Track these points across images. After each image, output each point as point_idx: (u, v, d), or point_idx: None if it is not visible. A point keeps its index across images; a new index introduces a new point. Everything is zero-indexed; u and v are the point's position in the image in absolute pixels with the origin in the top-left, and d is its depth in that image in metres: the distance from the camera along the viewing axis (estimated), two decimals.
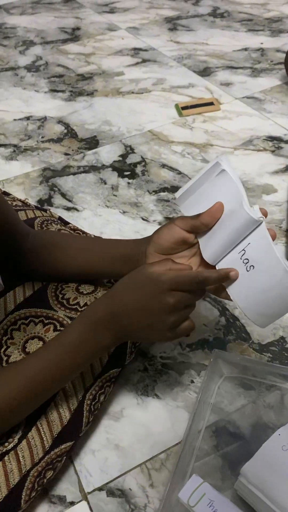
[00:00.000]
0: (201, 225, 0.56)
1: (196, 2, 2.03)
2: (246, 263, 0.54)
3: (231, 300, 0.56)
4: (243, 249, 0.54)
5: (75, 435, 0.61)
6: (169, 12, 1.96)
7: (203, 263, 0.58)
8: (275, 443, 0.59)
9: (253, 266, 0.53)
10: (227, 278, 0.54)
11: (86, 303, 0.66)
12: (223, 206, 0.55)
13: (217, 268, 0.57)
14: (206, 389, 0.68)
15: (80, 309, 0.65)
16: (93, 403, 0.63)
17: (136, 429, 0.67)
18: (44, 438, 0.58)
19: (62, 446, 0.59)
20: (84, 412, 0.62)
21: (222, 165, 0.55)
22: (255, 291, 0.54)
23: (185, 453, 0.62)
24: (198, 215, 0.56)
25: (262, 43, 1.64)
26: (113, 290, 0.55)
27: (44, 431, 0.58)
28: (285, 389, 0.69)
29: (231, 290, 0.56)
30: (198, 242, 0.58)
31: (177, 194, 0.59)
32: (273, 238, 0.54)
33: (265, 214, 0.55)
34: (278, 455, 0.57)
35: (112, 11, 2.03)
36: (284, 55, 1.41)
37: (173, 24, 1.86)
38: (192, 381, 0.72)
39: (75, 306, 0.65)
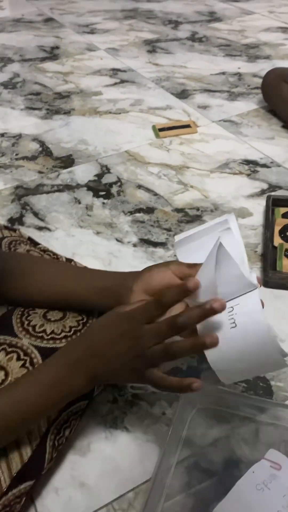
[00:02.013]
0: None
1: (175, 26, 2.06)
2: (231, 321, 0.52)
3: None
4: (231, 307, 0.52)
5: (36, 473, 0.57)
6: (148, 35, 1.98)
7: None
8: (248, 482, 0.56)
9: (237, 326, 0.51)
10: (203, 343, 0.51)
11: (53, 330, 0.62)
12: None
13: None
14: (178, 421, 0.65)
15: (46, 337, 0.62)
16: (57, 437, 0.59)
17: (103, 465, 0.64)
18: (2, 478, 0.53)
19: (22, 486, 0.55)
20: (47, 448, 0.58)
21: (230, 223, 0.56)
22: (232, 350, 0.51)
23: (154, 492, 0.58)
24: (196, 267, 0.54)
25: (239, 68, 1.66)
26: (89, 330, 0.54)
27: (1, 470, 0.54)
28: (259, 422, 0.67)
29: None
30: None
31: (177, 238, 0.59)
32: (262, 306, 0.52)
33: (259, 282, 0.54)
34: (252, 495, 0.54)
35: (92, 32, 2.04)
36: (261, 80, 1.43)
37: (152, 46, 1.87)
38: (164, 413, 0.69)
39: (41, 334, 0.62)
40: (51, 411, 0.56)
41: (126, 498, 0.60)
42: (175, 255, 0.94)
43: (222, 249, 0.51)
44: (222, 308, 0.49)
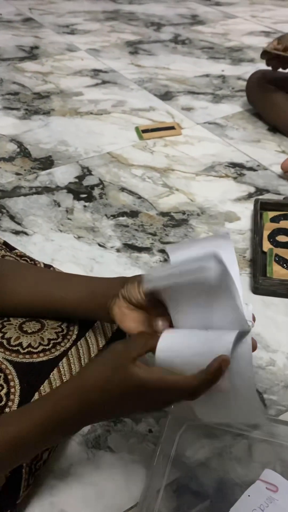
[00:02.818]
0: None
1: (158, 28, 2.03)
2: None
3: None
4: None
5: (11, 503, 0.51)
6: (130, 36, 1.95)
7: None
8: (245, 507, 0.52)
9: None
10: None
11: (30, 343, 0.57)
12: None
13: None
14: (165, 440, 0.60)
15: (22, 351, 0.56)
16: (34, 462, 0.54)
17: (85, 490, 0.58)
18: None
19: None
20: (23, 474, 0.52)
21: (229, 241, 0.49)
22: (214, 395, 0.46)
23: None
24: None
25: (223, 70, 1.63)
26: (84, 372, 0.48)
27: None
28: (252, 439, 0.62)
29: None
30: None
31: (171, 246, 0.52)
32: (254, 348, 0.47)
33: (253, 319, 0.49)
34: None
35: (72, 33, 1.99)
36: (245, 83, 1.41)
37: (134, 48, 1.84)
38: (150, 431, 0.64)
39: (16, 348, 0.56)
40: (37, 450, 0.50)
41: None
42: (166, 259, 0.89)
43: (227, 278, 0.45)
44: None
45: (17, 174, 1.14)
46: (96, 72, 1.65)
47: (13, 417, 0.47)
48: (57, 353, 0.56)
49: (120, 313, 0.53)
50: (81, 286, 0.58)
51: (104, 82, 1.57)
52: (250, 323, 0.47)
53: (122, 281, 0.54)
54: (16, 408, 0.52)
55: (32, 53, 1.79)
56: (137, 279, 0.52)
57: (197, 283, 0.45)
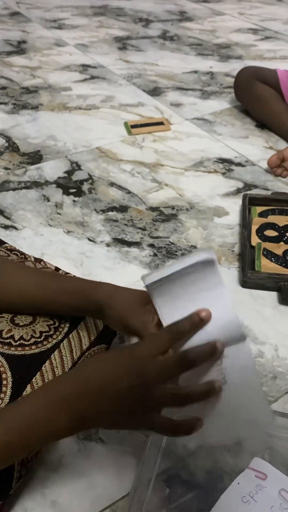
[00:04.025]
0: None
1: (146, 24, 2.03)
2: (221, 376, 0.47)
3: None
4: (220, 359, 0.46)
5: (3, 494, 0.52)
6: (118, 32, 1.94)
7: None
8: (234, 494, 0.53)
9: (228, 382, 0.46)
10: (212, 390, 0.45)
11: (22, 336, 0.57)
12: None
13: None
14: None
15: (14, 343, 0.56)
16: None
17: (77, 480, 0.59)
18: None
19: None
20: (16, 465, 0.52)
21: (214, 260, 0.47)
22: (221, 407, 0.46)
23: (133, 509, 0.54)
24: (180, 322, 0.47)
25: (211, 67, 1.64)
26: (82, 364, 0.48)
27: None
28: None
29: None
30: None
31: (148, 278, 0.48)
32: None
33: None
34: (239, 508, 0.51)
35: (60, 27, 1.98)
36: (233, 80, 1.41)
37: (122, 43, 1.83)
38: None
39: (8, 340, 0.56)
40: (26, 452, 0.49)
41: None
42: (155, 254, 0.90)
43: (218, 291, 0.46)
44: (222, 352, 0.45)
45: (6, 168, 1.14)
46: (84, 67, 1.64)
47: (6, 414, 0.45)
48: (49, 346, 0.57)
49: (118, 328, 0.54)
50: (66, 298, 0.57)
51: (92, 77, 1.57)
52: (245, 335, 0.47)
53: (102, 306, 0.54)
54: (8, 401, 0.52)
55: (19, 48, 1.78)
56: (124, 301, 0.52)
57: (188, 273, 0.46)
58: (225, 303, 0.47)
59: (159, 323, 0.50)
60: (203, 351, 0.44)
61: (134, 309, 0.52)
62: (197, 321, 0.45)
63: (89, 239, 0.94)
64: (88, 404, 0.44)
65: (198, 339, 0.46)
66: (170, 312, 0.48)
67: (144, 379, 0.43)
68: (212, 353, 0.45)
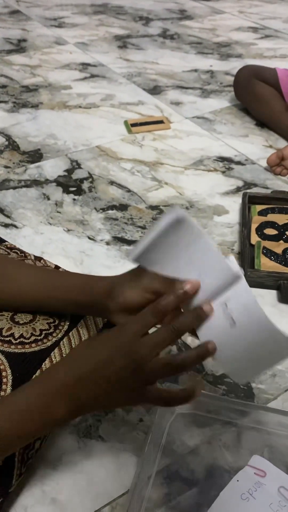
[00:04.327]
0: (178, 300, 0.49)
1: (146, 23, 2.03)
2: (229, 320, 0.48)
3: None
4: (224, 303, 0.48)
5: (3, 491, 0.52)
6: (118, 30, 1.94)
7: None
8: (233, 492, 0.53)
9: (236, 323, 0.47)
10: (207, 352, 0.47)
11: (22, 334, 0.57)
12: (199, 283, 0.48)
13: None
14: (156, 428, 0.61)
15: (14, 341, 0.57)
16: (26, 451, 0.54)
17: (76, 478, 0.59)
18: None
19: None
20: (16, 463, 0.53)
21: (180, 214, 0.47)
22: (239, 349, 0.48)
23: (133, 506, 0.54)
24: (170, 285, 0.48)
25: (211, 66, 1.64)
26: (74, 351, 0.49)
27: None
28: (241, 426, 0.64)
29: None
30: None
31: (133, 253, 0.49)
32: None
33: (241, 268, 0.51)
34: (237, 505, 0.51)
35: (60, 26, 1.98)
36: (233, 78, 1.41)
37: (122, 42, 1.83)
38: (141, 420, 0.65)
39: (8, 338, 0.57)
40: (25, 442, 0.50)
41: None
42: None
43: (200, 242, 0.47)
44: (211, 310, 0.47)
45: (6, 167, 1.14)
46: (84, 65, 1.64)
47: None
48: (49, 344, 0.57)
49: (123, 321, 0.52)
50: (67, 294, 0.57)
51: (92, 76, 1.57)
52: (241, 270, 0.48)
53: (107, 293, 0.53)
54: None
55: (19, 46, 1.78)
56: (121, 285, 0.52)
57: (165, 236, 0.47)
58: (211, 251, 0.48)
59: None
60: (189, 319, 0.47)
61: (135, 287, 0.52)
62: (181, 295, 0.47)
63: (89, 238, 0.94)
64: (84, 388, 0.45)
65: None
66: (157, 268, 0.49)
67: (133, 357, 0.44)
68: (199, 319, 0.47)
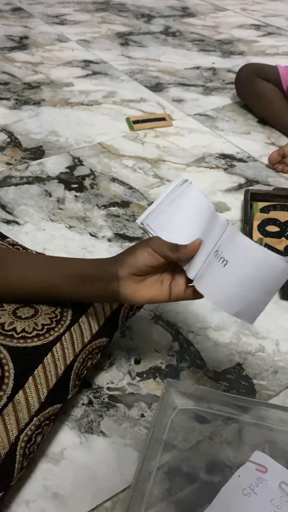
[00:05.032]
0: (182, 258, 0.53)
1: (148, 20, 2.02)
2: (221, 261, 0.51)
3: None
4: (216, 250, 0.52)
5: (4, 485, 0.52)
6: (121, 27, 1.94)
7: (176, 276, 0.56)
8: (234, 487, 0.53)
9: (229, 261, 0.50)
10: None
11: (24, 328, 0.57)
12: (201, 241, 0.53)
13: (194, 281, 0.53)
14: (157, 424, 0.61)
15: (16, 336, 0.57)
16: (28, 445, 0.54)
17: (78, 473, 0.59)
18: None
19: None
20: (17, 457, 0.53)
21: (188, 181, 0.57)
22: (237, 283, 0.50)
23: (134, 501, 0.54)
24: (178, 248, 0.53)
25: (213, 63, 1.64)
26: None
27: None
28: (242, 422, 0.64)
29: (211, 293, 0.52)
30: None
31: (141, 219, 0.56)
32: None
33: None
34: (239, 501, 0.51)
35: (62, 23, 1.98)
36: (235, 76, 1.41)
37: (124, 39, 1.83)
38: (143, 415, 0.65)
39: (11, 332, 0.57)
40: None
41: (104, 508, 0.56)
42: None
43: (198, 201, 0.55)
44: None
45: (8, 164, 1.14)
46: (86, 63, 1.64)
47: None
48: (51, 338, 0.57)
49: (131, 291, 0.53)
50: (72, 269, 0.58)
51: (94, 73, 1.57)
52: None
53: (114, 261, 0.55)
54: (10, 392, 0.52)
55: (22, 43, 1.78)
56: (131, 250, 0.54)
57: (169, 198, 0.56)
58: (212, 213, 0.54)
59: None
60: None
61: (143, 248, 0.54)
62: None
63: (91, 234, 0.94)
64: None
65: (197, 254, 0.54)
66: (164, 234, 0.54)
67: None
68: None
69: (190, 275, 0.53)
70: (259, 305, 0.52)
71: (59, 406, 0.58)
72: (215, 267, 0.51)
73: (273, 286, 0.51)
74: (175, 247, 0.53)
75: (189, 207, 0.55)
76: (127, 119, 1.30)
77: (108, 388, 0.67)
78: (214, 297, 0.52)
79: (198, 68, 1.61)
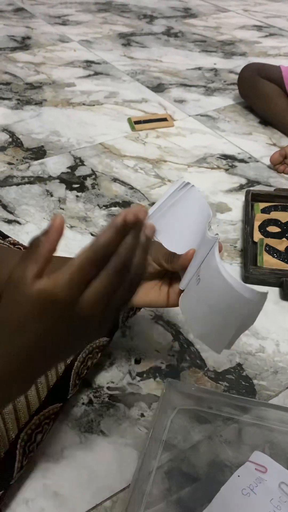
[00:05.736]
0: (176, 268, 0.54)
1: (150, 20, 2.02)
2: (197, 278, 0.50)
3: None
4: (200, 265, 0.51)
5: (4, 483, 0.52)
6: (122, 28, 1.94)
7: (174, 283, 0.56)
8: (234, 487, 0.53)
9: (201, 280, 0.49)
10: None
11: None
12: (194, 251, 0.53)
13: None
14: (157, 424, 0.61)
15: None
16: (28, 444, 0.55)
17: (78, 472, 0.59)
18: None
19: None
20: (17, 455, 0.53)
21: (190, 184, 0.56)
22: (204, 307, 0.49)
23: (134, 500, 0.54)
24: (172, 258, 0.53)
25: (215, 64, 1.64)
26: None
27: None
28: (242, 422, 0.64)
29: (183, 308, 0.53)
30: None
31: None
32: (220, 250, 0.51)
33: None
34: (238, 501, 0.51)
35: (64, 23, 1.98)
36: (237, 76, 1.41)
37: (126, 40, 1.83)
38: (142, 415, 0.65)
39: None
40: None
41: (103, 508, 0.56)
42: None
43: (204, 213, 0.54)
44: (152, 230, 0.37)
45: (9, 163, 1.14)
46: (88, 63, 1.64)
47: None
48: None
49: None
50: None
51: (96, 74, 1.57)
52: (217, 235, 0.52)
53: None
54: None
55: (24, 43, 1.78)
56: None
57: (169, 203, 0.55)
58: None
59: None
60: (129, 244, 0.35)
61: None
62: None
63: (92, 234, 0.95)
64: (24, 362, 0.37)
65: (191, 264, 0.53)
66: (163, 239, 0.53)
67: (53, 305, 0.34)
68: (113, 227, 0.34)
69: (180, 285, 0.54)
70: (224, 335, 0.49)
71: (59, 405, 0.58)
72: (192, 283, 0.50)
73: (239, 319, 0.47)
74: (171, 256, 0.52)
75: (190, 213, 0.54)
76: (129, 120, 1.31)
77: (108, 388, 0.67)
78: (184, 313, 0.52)
79: (199, 68, 1.61)
